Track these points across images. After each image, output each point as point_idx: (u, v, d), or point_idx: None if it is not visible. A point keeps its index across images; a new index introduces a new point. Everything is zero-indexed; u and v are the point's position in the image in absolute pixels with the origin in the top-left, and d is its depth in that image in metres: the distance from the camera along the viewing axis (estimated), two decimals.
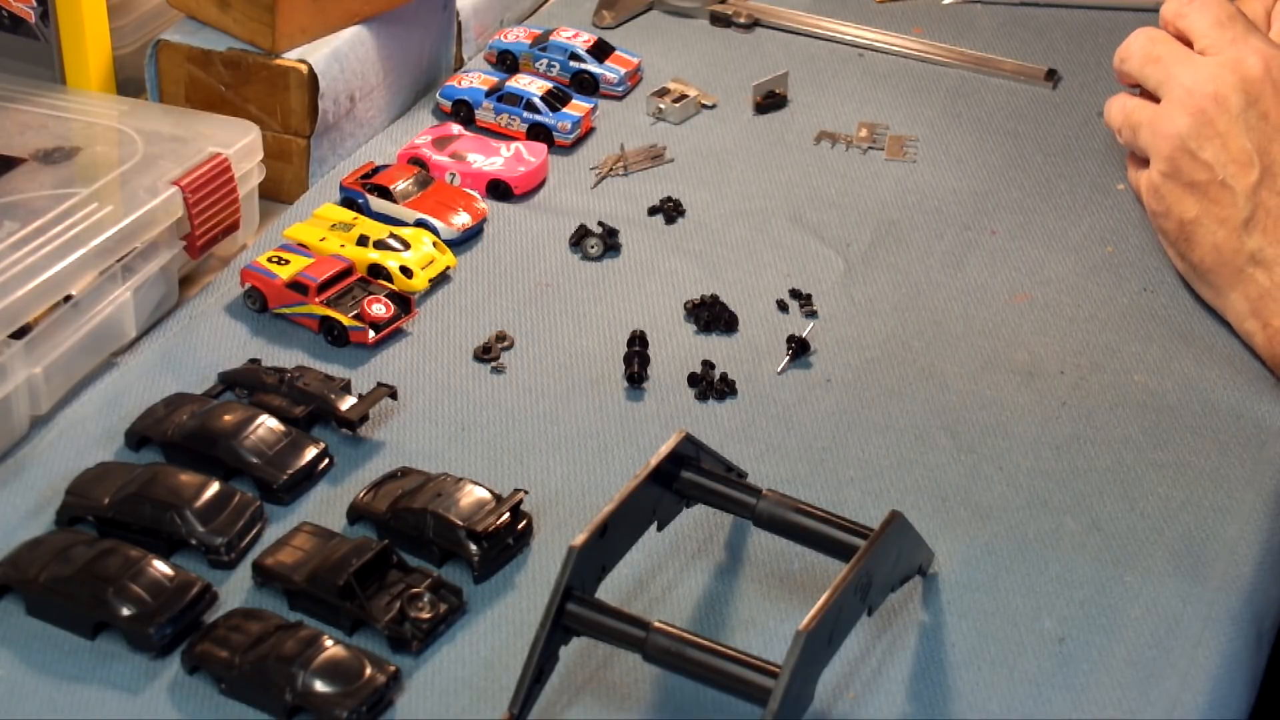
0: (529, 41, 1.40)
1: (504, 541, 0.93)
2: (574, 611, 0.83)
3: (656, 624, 0.82)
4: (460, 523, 0.92)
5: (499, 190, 1.25)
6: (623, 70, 1.38)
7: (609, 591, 0.87)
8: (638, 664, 0.84)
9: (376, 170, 1.23)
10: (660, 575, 0.94)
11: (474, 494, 0.95)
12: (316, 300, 1.09)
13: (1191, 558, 0.95)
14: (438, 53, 1.38)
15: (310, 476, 0.99)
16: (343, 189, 1.22)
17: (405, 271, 1.14)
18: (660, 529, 0.92)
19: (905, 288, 1.17)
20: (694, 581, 0.94)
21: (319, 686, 0.83)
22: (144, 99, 1.26)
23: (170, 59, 1.24)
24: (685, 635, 0.82)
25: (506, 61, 1.40)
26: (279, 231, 1.19)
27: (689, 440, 0.91)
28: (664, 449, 0.89)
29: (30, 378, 1.01)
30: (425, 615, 0.88)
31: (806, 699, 0.81)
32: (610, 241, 1.19)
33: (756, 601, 0.92)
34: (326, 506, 0.97)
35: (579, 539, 0.83)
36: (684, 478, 0.91)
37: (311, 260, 1.12)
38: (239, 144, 1.15)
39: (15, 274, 1.01)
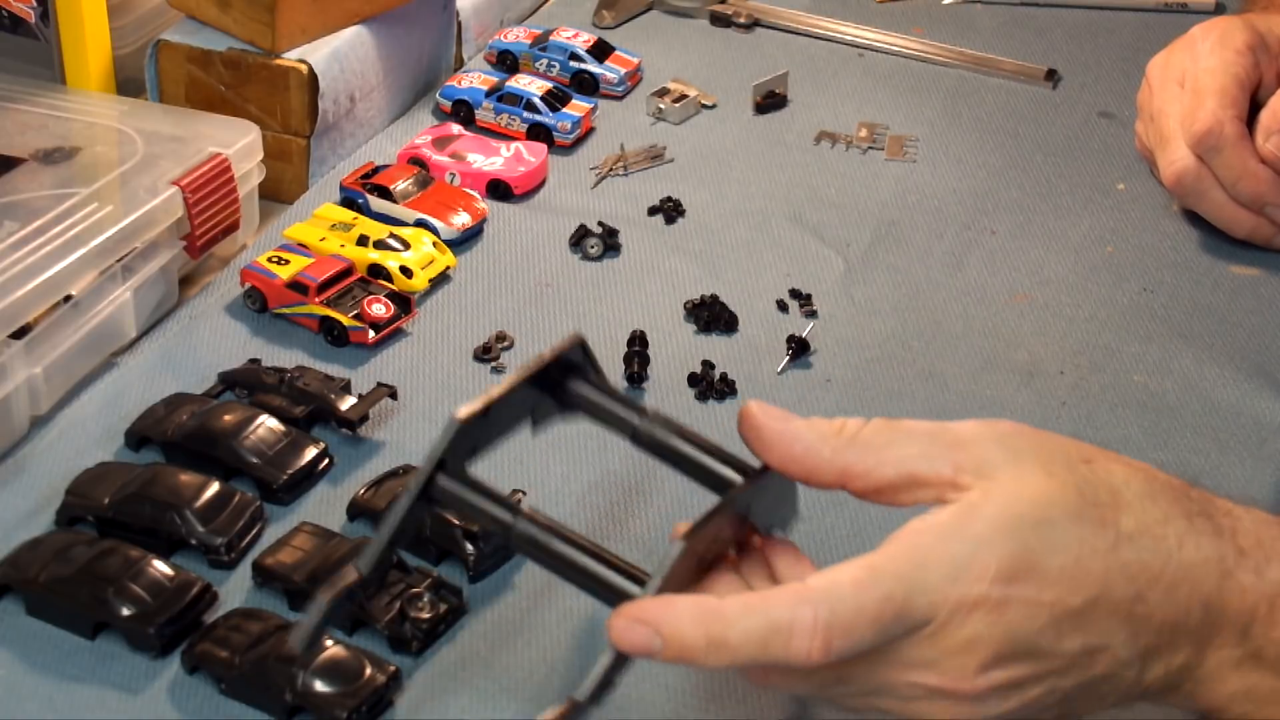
0: (529, 41, 1.40)
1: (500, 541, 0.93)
2: (444, 486, 0.77)
3: (526, 510, 0.77)
4: (457, 522, 0.92)
5: (499, 190, 1.25)
6: (623, 70, 1.38)
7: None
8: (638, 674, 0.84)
9: (376, 170, 1.23)
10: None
11: None
12: (316, 300, 1.09)
13: None
14: (438, 53, 1.38)
15: (310, 476, 0.99)
16: (343, 189, 1.22)
17: (405, 271, 1.14)
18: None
19: (905, 288, 1.17)
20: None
21: (319, 686, 0.83)
22: (144, 99, 1.26)
23: (170, 59, 1.24)
24: (554, 526, 0.77)
25: (506, 61, 1.40)
26: (279, 231, 1.18)
27: (581, 348, 0.83)
28: (555, 347, 0.82)
29: (30, 378, 1.01)
30: (425, 615, 0.88)
31: None
32: (610, 241, 1.19)
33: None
34: (326, 506, 0.97)
35: (463, 411, 0.77)
36: (568, 386, 0.83)
37: (311, 260, 1.12)
38: (239, 144, 1.15)
39: (15, 274, 1.00)
